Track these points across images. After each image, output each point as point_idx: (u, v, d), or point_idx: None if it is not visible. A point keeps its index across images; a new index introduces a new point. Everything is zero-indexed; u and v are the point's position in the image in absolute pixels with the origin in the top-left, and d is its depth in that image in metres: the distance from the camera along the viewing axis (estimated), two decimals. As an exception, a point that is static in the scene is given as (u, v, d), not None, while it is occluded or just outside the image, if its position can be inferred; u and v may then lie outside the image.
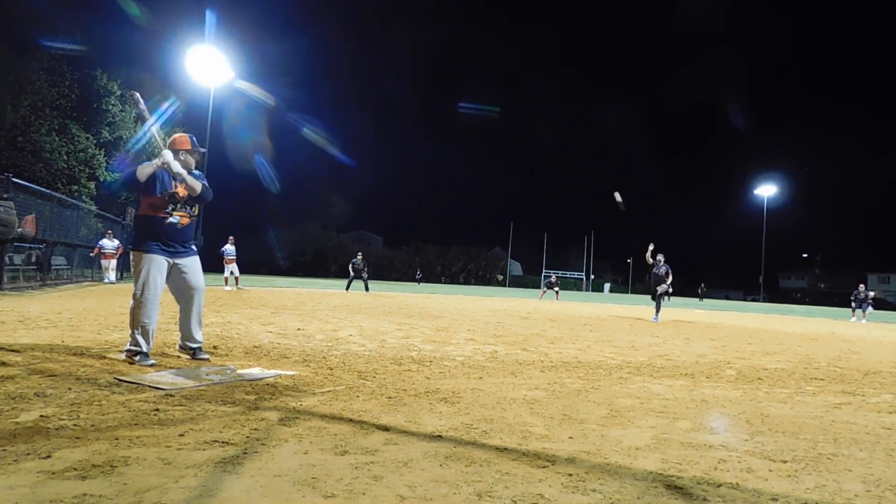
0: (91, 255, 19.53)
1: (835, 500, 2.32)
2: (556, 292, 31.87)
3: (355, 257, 23.78)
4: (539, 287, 71.73)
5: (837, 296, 72.92)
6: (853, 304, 24.80)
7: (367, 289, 23.29)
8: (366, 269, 23.76)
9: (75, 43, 28.92)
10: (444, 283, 65.93)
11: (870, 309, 24.23)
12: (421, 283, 52.10)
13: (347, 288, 23.32)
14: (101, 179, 31.04)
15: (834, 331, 14.91)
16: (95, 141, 30.58)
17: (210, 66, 30.89)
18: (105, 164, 31.08)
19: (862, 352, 9.21)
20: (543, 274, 31.95)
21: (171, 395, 3.46)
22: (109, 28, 33.17)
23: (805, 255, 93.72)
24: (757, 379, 5.56)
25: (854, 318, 24.22)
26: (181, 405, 3.24)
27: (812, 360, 7.51)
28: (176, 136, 5.06)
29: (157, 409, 3.10)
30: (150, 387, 3.65)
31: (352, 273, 23.35)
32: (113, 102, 32.11)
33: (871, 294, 24.42)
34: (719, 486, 2.40)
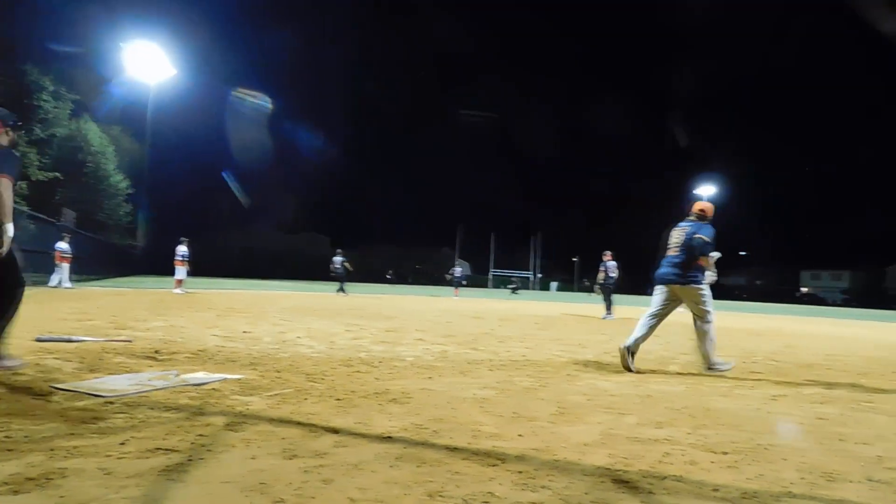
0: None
1: (772, 488, 2.41)
2: (456, 288, 30.59)
3: (336, 256, 23.23)
4: (490, 287, 72.26)
5: (774, 292, 76.02)
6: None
7: (341, 290, 22.71)
8: (345, 270, 23.07)
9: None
10: (394, 283, 65.67)
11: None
12: (394, 285, 51.71)
13: (341, 291, 22.80)
14: (33, 178, 29.79)
15: (771, 326, 15.48)
16: (27, 138, 29.33)
17: (151, 61, 30.05)
18: (38, 163, 29.86)
19: (798, 346, 9.61)
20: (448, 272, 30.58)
21: (110, 403, 3.34)
22: (40, 21, 31.82)
23: (742, 254, 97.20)
24: (700, 373, 5.73)
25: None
26: (122, 412, 3.13)
27: (750, 354, 7.79)
28: (705, 205, 6.13)
29: (96, 418, 2.99)
30: (88, 394, 3.52)
31: (333, 275, 22.91)
32: (45, 98, 30.86)
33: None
34: (664, 478, 2.46)
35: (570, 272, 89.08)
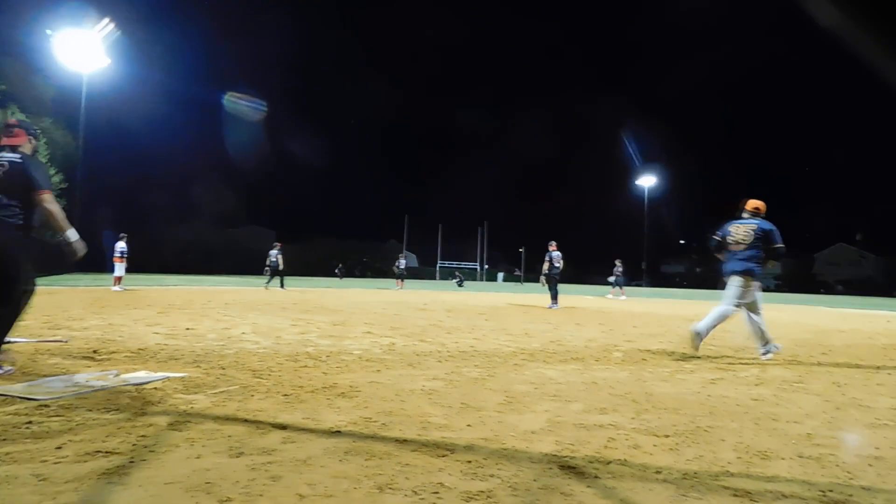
0: None
1: (711, 468, 2.51)
2: (398, 281, 30.67)
3: (272, 249, 22.80)
4: (437, 278, 72.37)
5: (712, 279, 78.69)
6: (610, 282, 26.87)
7: (282, 285, 22.34)
8: (281, 263, 22.64)
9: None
10: (344, 277, 65.14)
11: (613, 280, 26.52)
12: (343, 279, 50.98)
13: (267, 285, 22.47)
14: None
15: (709, 312, 16.02)
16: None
17: (83, 50, 28.78)
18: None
19: (733, 330, 9.94)
20: (396, 265, 30.57)
21: (45, 406, 3.22)
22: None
23: (682, 242, 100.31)
24: (642, 360, 5.90)
25: (611, 296, 25.88)
26: (58, 416, 3.02)
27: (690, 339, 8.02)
28: (759, 203, 6.64)
29: (30, 422, 2.88)
30: (21, 398, 3.37)
31: (268, 268, 22.46)
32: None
33: (621, 270, 26.59)
34: (609, 463, 2.53)
35: (517, 263, 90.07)
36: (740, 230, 6.54)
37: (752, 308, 6.48)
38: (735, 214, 6.74)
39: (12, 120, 4.56)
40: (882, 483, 2.41)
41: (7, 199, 4.13)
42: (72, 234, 4.38)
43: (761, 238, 6.36)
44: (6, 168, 4.19)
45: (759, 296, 6.45)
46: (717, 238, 6.74)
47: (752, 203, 6.68)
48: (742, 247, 6.45)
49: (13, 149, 4.32)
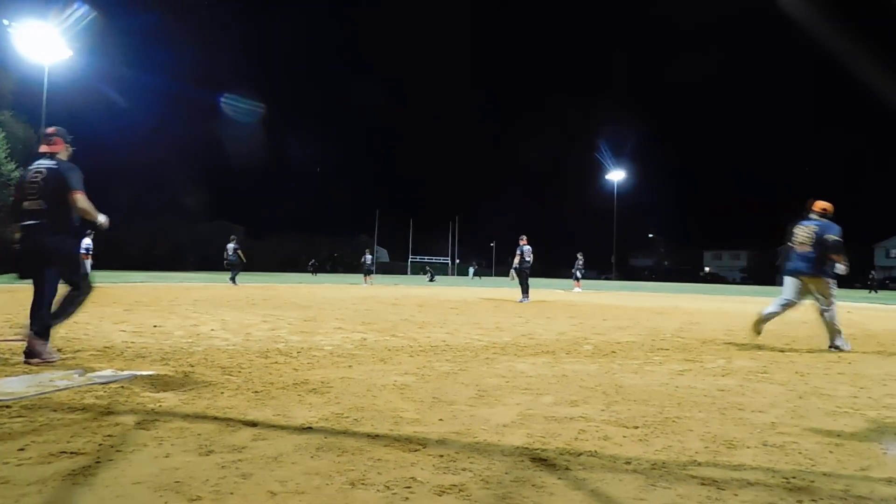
0: None
1: (679, 458, 2.55)
2: (365, 276, 29.63)
3: (230, 242, 22.20)
4: (409, 273, 72.25)
5: (679, 272, 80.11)
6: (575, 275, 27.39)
7: (233, 279, 21.85)
8: (239, 257, 22.10)
9: None
10: (310, 272, 64.67)
11: (579, 274, 27.18)
12: (316, 274, 50.52)
13: (234, 280, 21.90)
14: None
15: (677, 305, 16.29)
16: None
17: (44, 42, 28.03)
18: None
19: (701, 322, 10.15)
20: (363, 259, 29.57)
21: (7, 407, 3.14)
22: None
23: (651, 236, 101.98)
24: (611, 352, 5.97)
25: (578, 289, 26.14)
26: (20, 416, 2.95)
27: (659, 332, 8.17)
28: (826, 204, 6.74)
29: (-8, 423, 2.81)
30: (-19, 398, 3.29)
31: (227, 262, 21.95)
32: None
33: (582, 262, 27.11)
34: (580, 454, 2.56)
35: (489, 257, 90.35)
36: (802, 231, 6.76)
37: (795, 302, 6.76)
38: (802, 215, 6.93)
39: (51, 129, 4.94)
40: (842, 469, 2.48)
41: (45, 203, 4.55)
42: (101, 217, 4.94)
43: (821, 238, 6.53)
44: (44, 174, 4.61)
45: (834, 291, 6.64)
46: (789, 245, 6.96)
47: (819, 204, 6.82)
48: (806, 248, 6.64)
49: (51, 156, 4.76)
